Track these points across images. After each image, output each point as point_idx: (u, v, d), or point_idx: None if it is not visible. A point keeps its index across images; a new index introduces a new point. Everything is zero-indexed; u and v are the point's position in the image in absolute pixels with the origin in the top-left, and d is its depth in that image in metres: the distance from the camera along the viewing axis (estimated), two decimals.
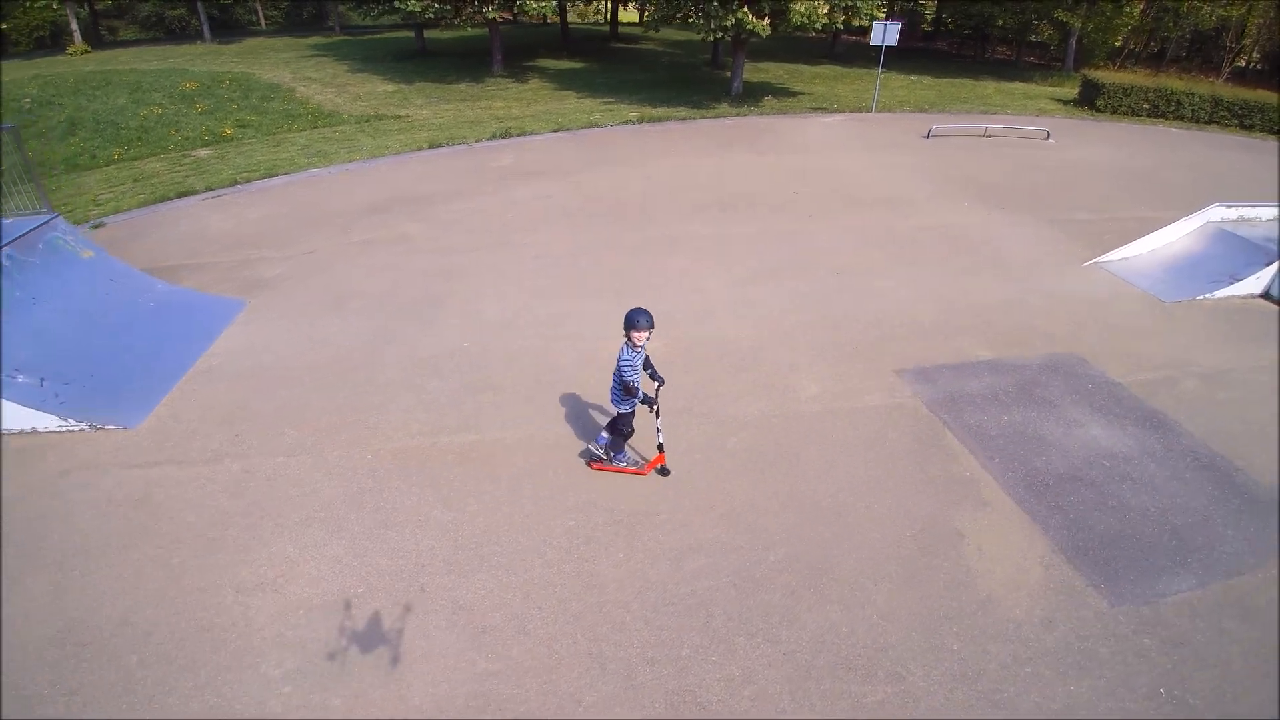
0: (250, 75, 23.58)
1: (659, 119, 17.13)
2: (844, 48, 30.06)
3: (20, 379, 5.82)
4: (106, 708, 3.60)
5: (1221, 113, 17.46)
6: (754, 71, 25.27)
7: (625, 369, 4.50)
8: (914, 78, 24.55)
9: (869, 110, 18.57)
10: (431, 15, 20.85)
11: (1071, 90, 20.94)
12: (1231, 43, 22.86)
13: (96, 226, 10.40)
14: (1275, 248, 8.44)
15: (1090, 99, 18.94)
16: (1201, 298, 8.20)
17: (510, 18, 22.44)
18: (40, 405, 5.66)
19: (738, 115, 17.76)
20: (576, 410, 5.89)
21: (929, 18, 34.31)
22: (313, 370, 6.50)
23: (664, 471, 5.13)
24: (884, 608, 4.10)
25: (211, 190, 11.73)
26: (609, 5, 35.07)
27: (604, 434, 5.06)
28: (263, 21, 41.86)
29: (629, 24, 34.49)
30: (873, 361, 6.62)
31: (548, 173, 12.49)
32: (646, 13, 17.94)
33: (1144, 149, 15.32)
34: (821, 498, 4.95)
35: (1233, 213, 9.28)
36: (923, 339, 7.06)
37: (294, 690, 3.71)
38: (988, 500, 4.95)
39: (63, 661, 3.82)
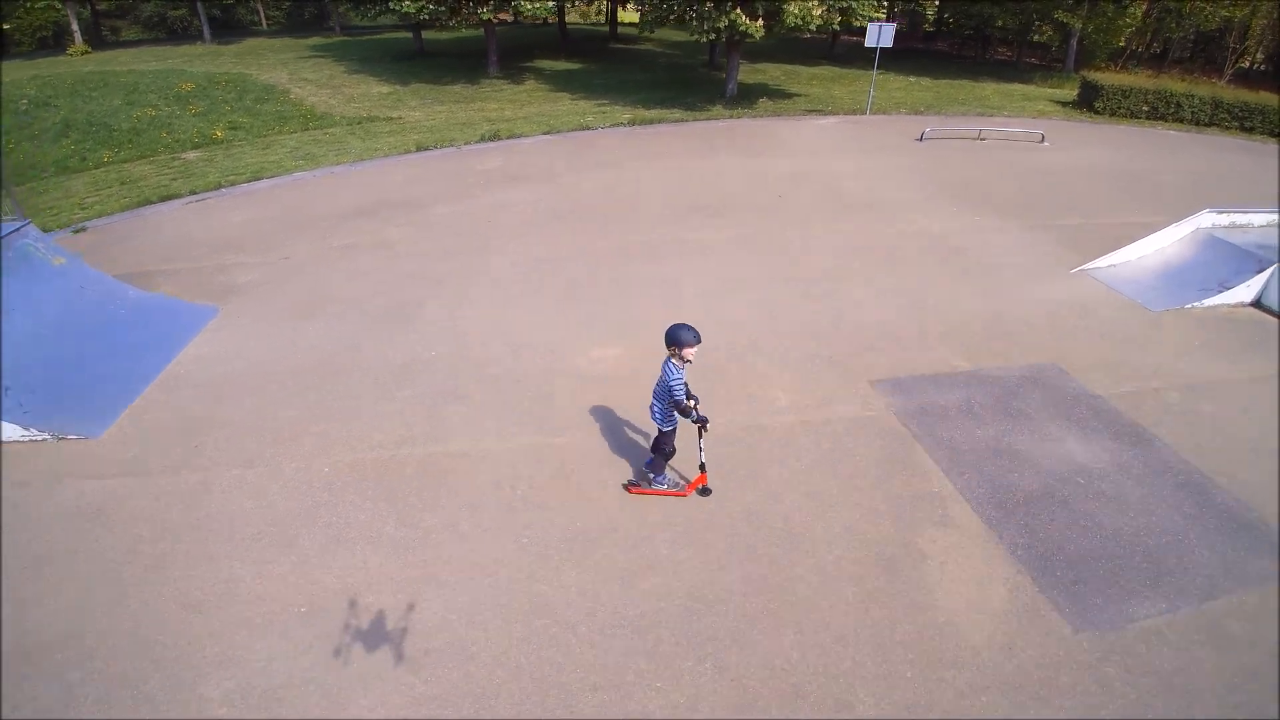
0: (247, 76, 23.61)
1: (651, 121, 17.03)
2: (844, 49, 29.87)
3: None
4: None
5: (1222, 115, 17.21)
6: (751, 73, 25.14)
7: (676, 387, 4.32)
8: (912, 79, 24.37)
9: (864, 113, 18.40)
10: (426, 16, 20.83)
11: (1071, 92, 20.73)
12: (1235, 44, 22.56)
13: (78, 231, 10.38)
14: (1267, 254, 8.27)
15: (1089, 101, 18.73)
16: (1190, 306, 8.03)
17: (509, 19, 22.43)
18: (4, 415, 5.61)
19: (730, 117, 17.64)
20: (543, 421, 5.79)
21: (930, 18, 34.06)
22: (279, 379, 6.43)
23: (705, 491, 4.96)
24: (839, 632, 3.99)
25: (195, 194, 11.70)
26: (609, 6, 34.96)
27: (657, 460, 4.82)
28: (264, 22, 41.96)
29: (629, 25, 34.35)
30: (848, 372, 6.50)
31: (533, 177, 12.40)
32: (640, 14, 17.79)
33: (1141, 152, 15.11)
34: (783, 515, 4.83)
35: (1224, 218, 9.10)
36: (901, 348, 6.93)
37: (230, 712, 3.63)
38: (954, 518, 4.83)
39: (5, 676, 3.76)
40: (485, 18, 20.67)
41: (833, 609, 4.12)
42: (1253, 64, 23.49)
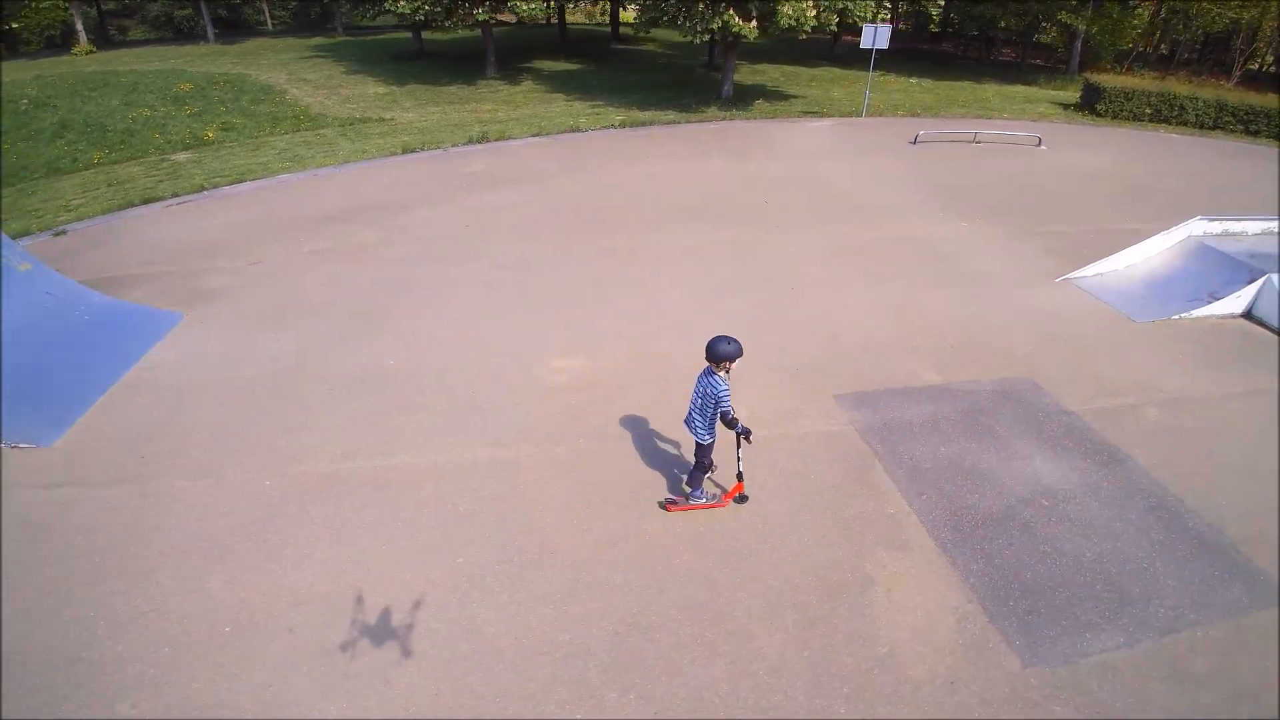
0: (246, 76, 23.66)
1: (644, 123, 16.88)
2: (845, 50, 29.55)
3: None
4: None
5: (1226, 118, 16.83)
6: (750, 74, 24.93)
7: (725, 398, 4.29)
8: (913, 80, 24.07)
9: (859, 115, 18.16)
10: (422, 17, 20.77)
11: (1074, 94, 20.37)
12: (1243, 45, 22.10)
13: (58, 234, 10.36)
14: (1259, 264, 8.01)
15: (1091, 103, 18.39)
16: (1176, 317, 7.79)
17: (511, 19, 22.37)
18: None
19: (724, 119, 17.45)
20: (495, 434, 5.67)
21: (936, 19, 33.66)
22: (235, 388, 6.34)
23: (743, 499, 4.91)
24: (774, 662, 3.83)
25: (178, 196, 11.67)
26: (611, 6, 34.83)
27: (696, 474, 4.75)
28: (270, 22, 42.15)
29: (630, 25, 34.17)
30: (813, 384, 6.33)
31: (518, 179, 12.29)
32: (634, 14, 17.66)
33: (1140, 156, 14.80)
34: (730, 535, 4.68)
35: (1216, 226, 8.84)
36: (871, 360, 6.75)
37: None
38: (908, 542, 4.66)
39: None
40: (481, 18, 20.59)
41: (770, 638, 3.97)
42: (1262, 66, 23.00)
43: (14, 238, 9.12)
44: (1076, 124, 17.79)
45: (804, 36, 17.07)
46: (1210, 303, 7.88)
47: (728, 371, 4.34)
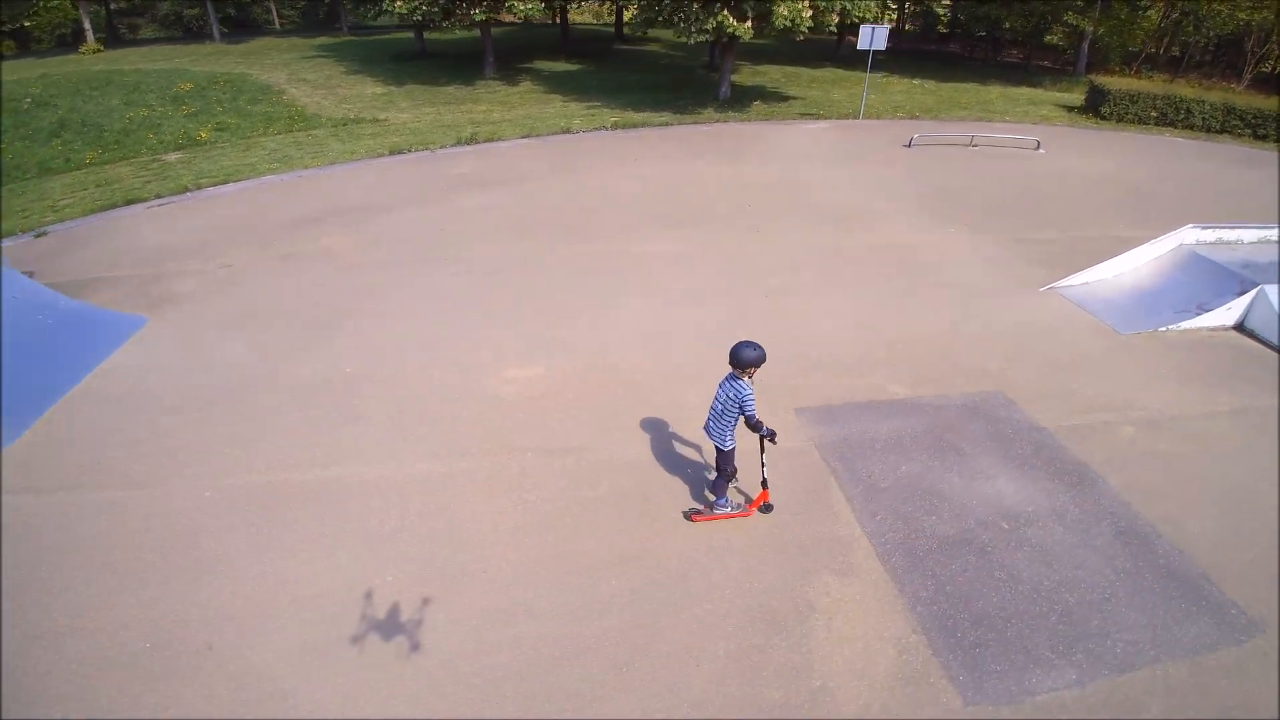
0: (247, 76, 23.75)
1: (637, 124, 16.71)
2: (849, 50, 29.20)
3: None
4: None
5: (1234, 121, 16.39)
6: (751, 75, 24.70)
7: (749, 403, 4.25)
8: (916, 81, 23.73)
9: (856, 117, 17.88)
10: (419, 17, 20.73)
11: (1079, 96, 19.96)
12: (1255, 47, 21.54)
13: (39, 235, 10.36)
14: (1252, 274, 7.71)
15: (1096, 106, 17.99)
16: (1163, 329, 7.51)
17: (512, 20, 22.30)
18: None
19: (719, 121, 17.25)
20: (441, 446, 5.52)
21: (945, 19, 33.22)
22: (190, 394, 6.25)
23: (768, 508, 4.83)
24: (699, 695, 3.65)
25: (160, 198, 11.64)
26: (616, 6, 34.66)
27: (720, 483, 4.68)
28: (277, 21, 42.42)
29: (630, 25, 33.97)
30: (776, 397, 6.12)
31: (502, 181, 12.17)
32: (629, 15, 17.50)
33: (1141, 160, 14.42)
34: (673, 556, 4.50)
35: (1209, 234, 8.54)
36: (838, 372, 6.54)
37: None
38: (856, 566, 4.45)
39: None
40: (479, 19, 20.50)
41: (699, 668, 3.79)
42: (1275, 69, 22.43)
43: None
44: (1079, 127, 17.40)
45: (801, 38, 16.81)
46: (1199, 314, 7.60)
47: (751, 377, 4.30)
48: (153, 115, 18.52)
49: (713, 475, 4.78)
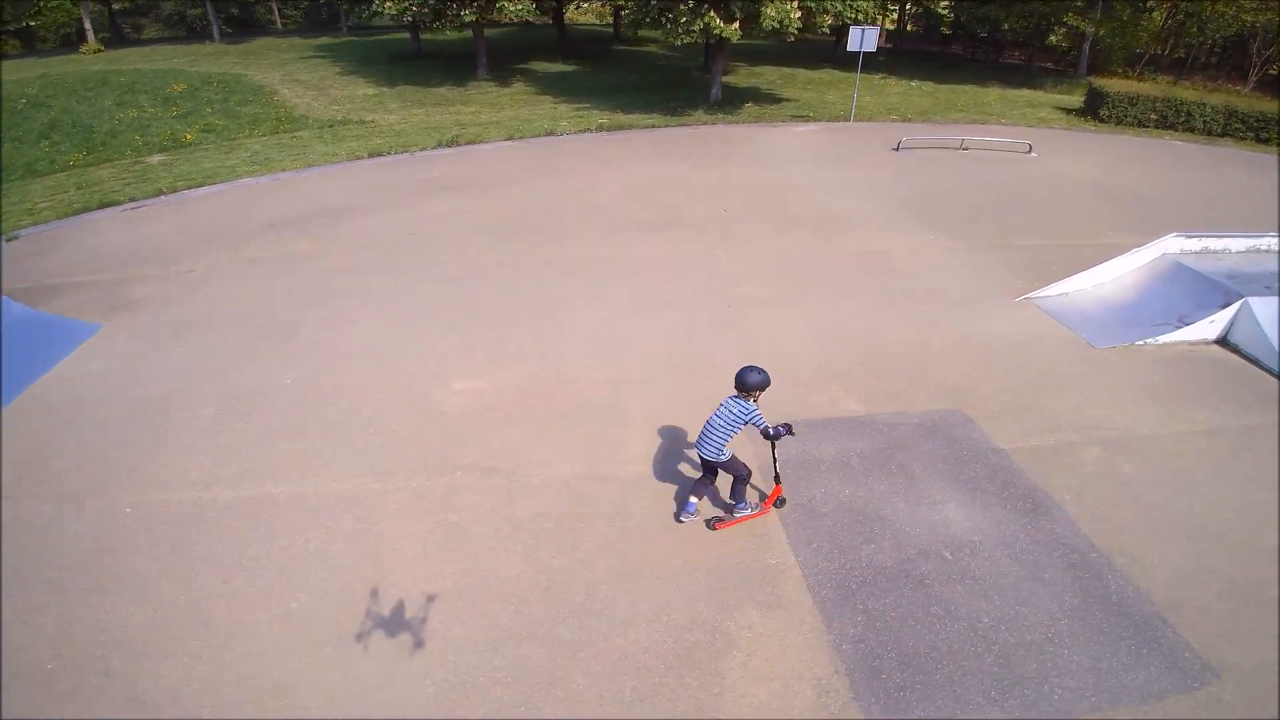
0: (241, 77, 23.77)
1: (624, 126, 16.52)
2: (847, 51, 28.86)
3: None
4: None
5: (1236, 125, 15.95)
6: (747, 76, 24.44)
7: (759, 420, 4.35)
8: (914, 83, 23.37)
9: (847, 119, 17.59)
10: (409, 18, 20.64)
11: (1080, 98, 19.55)
12: (1261, 49, 21.01)
13: (10, 239, 10.31)
14: (1237, 285, 7.40)
15: (1095, 108, 17.60)
16: (1142, 343, 7.22)
17: (504, 21, 22.17)
18: None
19: (707, 124, 17.02)
20: (371, 464, 5.35)
21: (948, 20, 32.78)
22: (130, 405, 6.13)
23: (781, 503, 4.91)
24: None
25: (134, 201, 11.58)
26: (615, 7, 34.47)
27: (738, 487, 4.71)
28: (280, 21, 42.57)
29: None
30: None
31: (476, 185, 12.01)
32: (622, 16, 17.32)
33: (1136, 164, 14.04)
34: (589, 585, 4.31)
35: (1194, 243, 8.23)
36: (793, 386, 6.31)
37: None
38: (782, 598, 4.24)
39: None
40: (469, 19, 20.37)
41: (600, 708, 3.59)
42: None
43: None
44: (1076, 130, 17.02)
45: (792, 39, 16.54)
46: (1179, 327, 7.30)
47: (756, 399, 4.38)
48: (142, 116, 18.53)
49: (697, 479, 4.75)
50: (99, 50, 30.72)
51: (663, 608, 4.16)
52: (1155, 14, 21.53)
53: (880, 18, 16.08)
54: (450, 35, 28.41)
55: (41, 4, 30.02)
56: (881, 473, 5.29)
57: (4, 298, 7.63)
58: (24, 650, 3.91)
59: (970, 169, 13.30)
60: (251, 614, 4.11)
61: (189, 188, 12.26)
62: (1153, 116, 16.71)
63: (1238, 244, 8.37)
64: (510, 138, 15.17)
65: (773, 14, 15.16)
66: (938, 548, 4.64)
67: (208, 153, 15.09)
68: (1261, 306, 7.14)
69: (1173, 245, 8.18)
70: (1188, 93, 17.26)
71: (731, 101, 19.42)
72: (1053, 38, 25.42)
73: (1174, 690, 3.81)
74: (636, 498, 5.00)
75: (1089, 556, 4.65)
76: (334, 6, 37.76)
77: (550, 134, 15.57)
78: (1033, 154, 14.18)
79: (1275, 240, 8.43)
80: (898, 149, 14.40)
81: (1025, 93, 21.90)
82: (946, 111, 19.07)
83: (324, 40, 33.37)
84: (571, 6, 34.67)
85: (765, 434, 4.39)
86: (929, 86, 22.87)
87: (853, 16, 16.24)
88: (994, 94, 21.67)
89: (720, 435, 4.39)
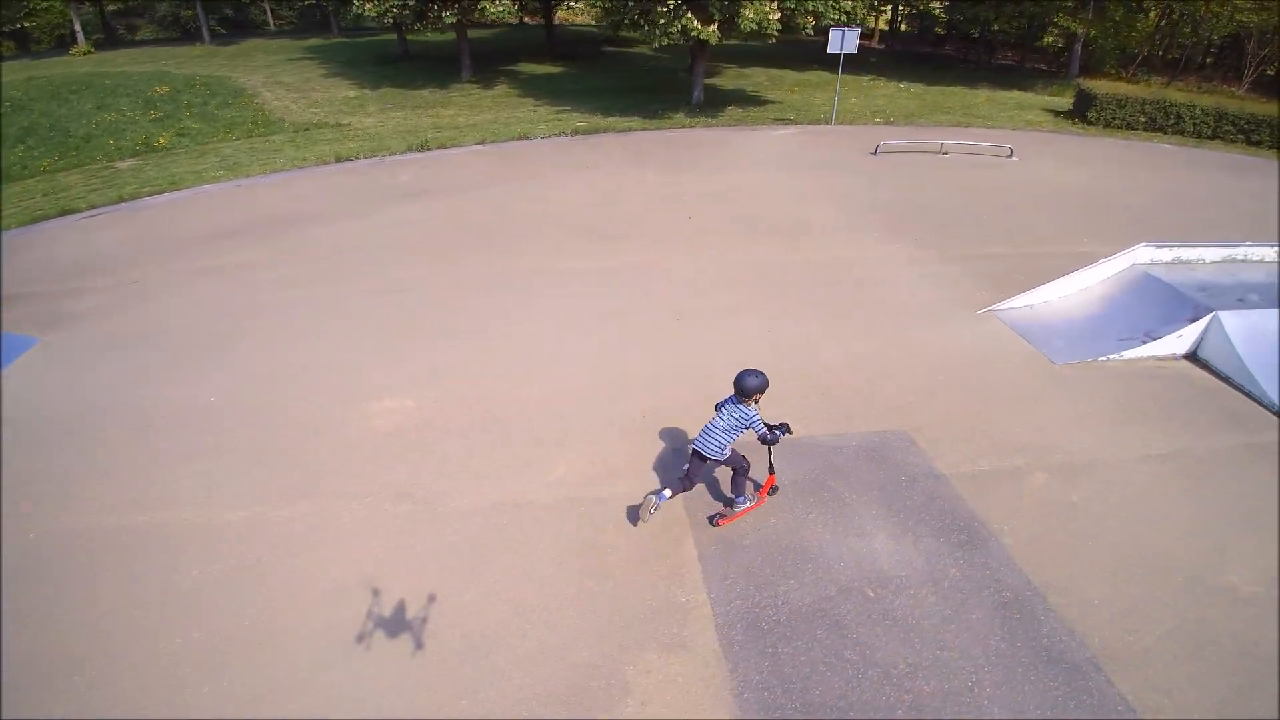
0: (225, 79, 23.65)
1: (602, 130, 16.29)
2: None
3: None
4: None
5: (1226, 127, 15.60)
6: (734, 77, 24.19)
7: (757, 424, 4.42)
8: (903, 85, 23.07)
9: (829, 122, 17.31)
10: (390, 20, 20.46)
11: (1069, 100, 19.22)
12: (1256, 50, 20.61)
13: None
14: (1208, 298, 7.11)
15: (1083, 110, 17.27)
16: (1104, 359, 6.94)
17: (490, 22, 21.99)
18: None
19: (686, 127, 16.77)
20: (280, 489, 5.13)
21: (942, 20, 32.44)
22: (52, 424, 5.93)
23: (774, 490, 5.01)
24: None
25: (94, 208, 11.41)
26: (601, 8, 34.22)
27: (738, 480, 4.80)
28: (273, 22, 42.50)
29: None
30: (652, 436, 5.67)
31: (440, 191, 11.79)
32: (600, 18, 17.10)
33: (1120, 169, 13.72)
34: (483, 623, 4.07)
35: (1165, 253, 7.94)
36: None
37: None
38: (687, 640, 3.99)
39: None
40: (450, 20, 20.17)
41: None
42: (1278, 72, 21.47)
43: None
44: (1063, 133, 16.70)
45: (773, 40, 16.28)
46: (1145, 342, 7.02)
47: (757, 403, 4.43)
48: (120, 120, 18.39)
49: (679, 477, 4.68)
50: (89, 52, 30.65)
51: (561, 648, 3.92)
52: (1150, 14, 21.17)
53: (867, 17, 15.80)
54: (438, 37, 28.21)
55: (32, 5, 29.96)
56: (813, 500, 5.04)
57: None
58: None
59: (948, 174, 13.01)
60: (138, 649, 3.89)
61: (152, 194, 12.09)
62: (1141, 119, 16.38)
63: (1212, 254, 8.07)
64: (482, 142, 14.96)
65: (751, 16, 14.92)
66: (860, 584, 4.38)
67: (178, 158, 14.92)
68: (1233, 320, 6.85)
69: (1142, 255, 7.90)
70: (1177, 95, 16.91)
71: (714, 104, 19.17)
72: (1046, 38, 25.07)
73: None
74: (551, 527, 4.76)
75: (1022, 595, 4.38)
76: (325, 8, 37.70)
77: (524, 138, 15.35)
78: (1014, 158, 13.88)
79: (1251, 250, 8.14)
80: (875, 153, 14.11)
81: (1015, 94, 21.57)
82: (932, 114, 18.76)
83: (314, 41, 33.27)
84: (564, 7, 34.43)
85: (763, 439, 4.49)
86: (918, 88, 22.56)
87: (835, 18, 15.97)
88: (982, 96, 21.35)
89: (722, 438, 4.46)
